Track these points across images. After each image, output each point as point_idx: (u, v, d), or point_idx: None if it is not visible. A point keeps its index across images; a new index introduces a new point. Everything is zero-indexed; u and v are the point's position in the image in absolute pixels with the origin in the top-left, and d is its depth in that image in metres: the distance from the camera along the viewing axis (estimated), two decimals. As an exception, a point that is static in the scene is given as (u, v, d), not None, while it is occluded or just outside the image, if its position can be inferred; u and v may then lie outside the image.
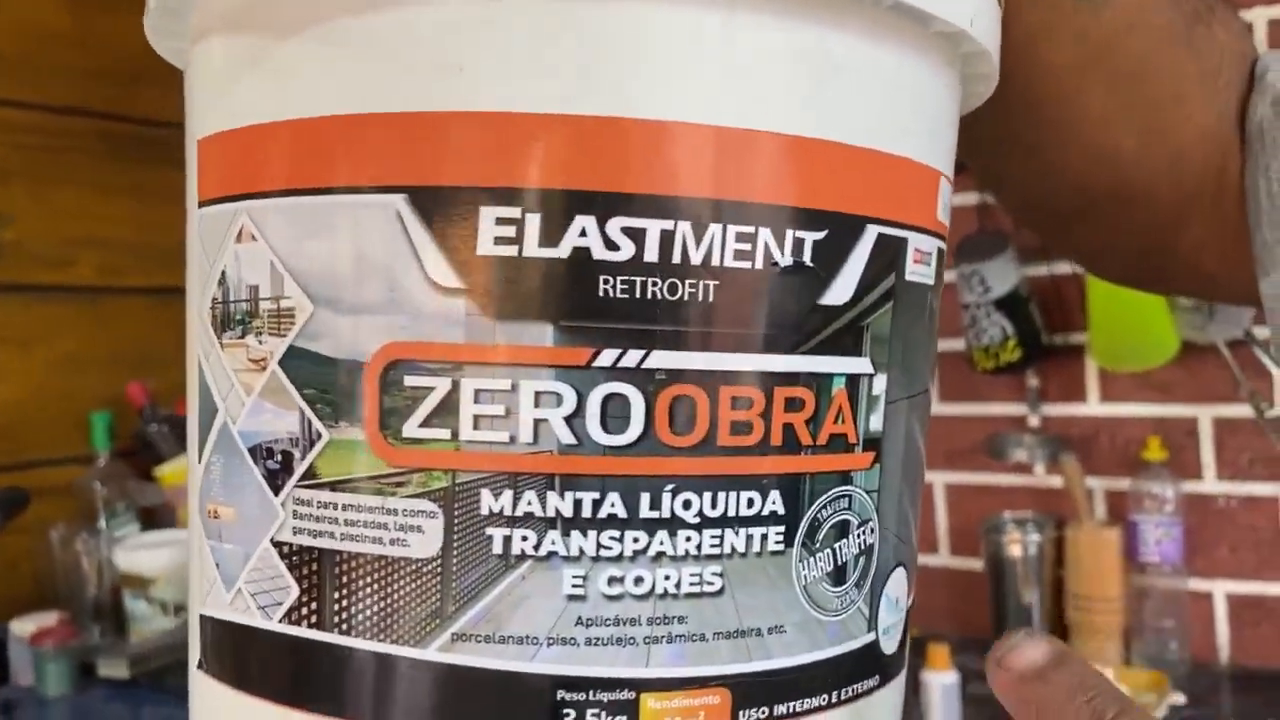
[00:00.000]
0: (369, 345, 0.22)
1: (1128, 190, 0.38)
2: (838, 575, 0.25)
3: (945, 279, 0.31)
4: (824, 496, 0.25)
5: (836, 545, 0.25)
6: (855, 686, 0.26)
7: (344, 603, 0.23)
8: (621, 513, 0.23)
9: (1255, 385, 1.29)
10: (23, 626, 1.38)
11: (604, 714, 0.23)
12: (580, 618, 0.23)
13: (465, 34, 0.22)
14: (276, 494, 0.24)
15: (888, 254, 0.25)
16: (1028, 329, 1.41)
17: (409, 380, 0.22)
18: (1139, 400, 1.41)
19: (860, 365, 0.25)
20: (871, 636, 0.26)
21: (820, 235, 0.24)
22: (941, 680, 1.24)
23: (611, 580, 0.23)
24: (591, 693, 0.23)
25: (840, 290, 0.24)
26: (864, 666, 0.26)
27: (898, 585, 0.27)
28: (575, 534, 0.23)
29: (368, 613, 0.23)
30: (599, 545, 0.23)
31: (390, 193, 0.22)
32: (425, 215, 0.22)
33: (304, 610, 0.23)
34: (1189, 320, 1.29)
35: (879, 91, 0.25)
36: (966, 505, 1.53)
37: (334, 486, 0.23)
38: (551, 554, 0.22)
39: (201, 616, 0.26)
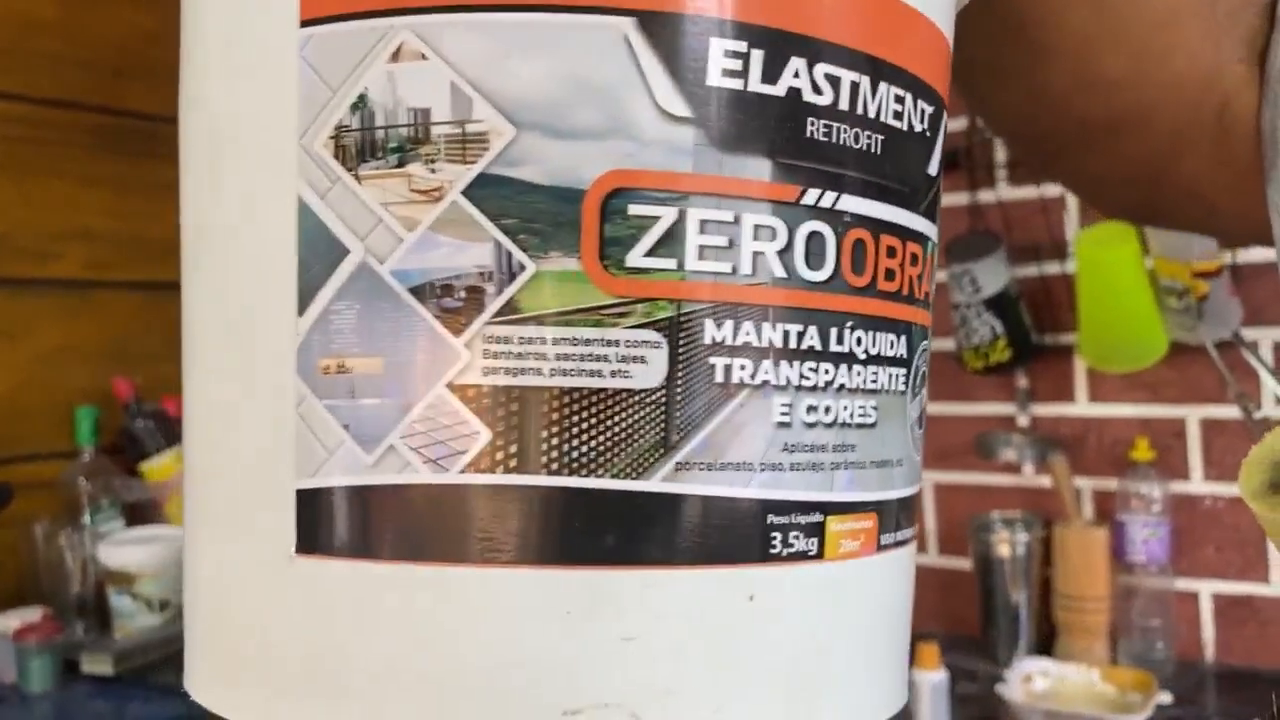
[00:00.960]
0: (589, 171, 0.21)
1: (1119, 117, 0.38)
2: (920, 420, 0.28)
3: (936, 278, 0.32)
4: (920, 346, 0.27)
5: (922, 392, 0.28)
6: (914, 528, 0.28)
7: (554, 440, 0.22)
8: (818, 345, 0.23)
9: (1243, 387, 1.32)
10: (6, 622, 1.35)
11: (801, 535, 0.23)
12: (786, 444, 0.23)
13: None
14: (458, 334, 0.22)
15: (946, 138, 0.28)
16: (1017, 329, 1.42)
17: (634, 209, 0.22)
18: (1127, 401, 1.43)
19: (936, 233, 0.28)
20: (920, 484, 0.29)
21: (931, 109, 0.26)
22: (930, 679, 1.24)
23: (810, 409, 0.23)
24: (793, 515, 0.23)
25: (934, 162, 0.27)
26: (916, 510, 0.28)
27: None
28: (784, 364, 0.23)
29: (584, 449, 0.21)
30: (801, 375, 0.23)
31: (617, 15, 0.21)
32: (656, 41, 0.21)
33: (499, 455, 0.22)
34: (1178, 321, 1.32)
35: None
36: (955, 504, 1.54)
37: (541, 320, 0.22)
38: (765, 383, 0.23)
39: (301, 493, 0.23)
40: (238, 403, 0.24)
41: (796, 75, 0.23)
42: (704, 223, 0.22)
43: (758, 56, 0.22)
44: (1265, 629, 1.33)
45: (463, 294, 0.22)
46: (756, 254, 0.22)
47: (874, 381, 0.25)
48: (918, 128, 0.26)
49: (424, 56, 0.22)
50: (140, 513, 1.58)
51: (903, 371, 0.26)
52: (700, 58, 0.22)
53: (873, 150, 0.24)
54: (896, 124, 0.25)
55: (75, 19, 1.66)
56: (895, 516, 0.26)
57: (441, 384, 0.22)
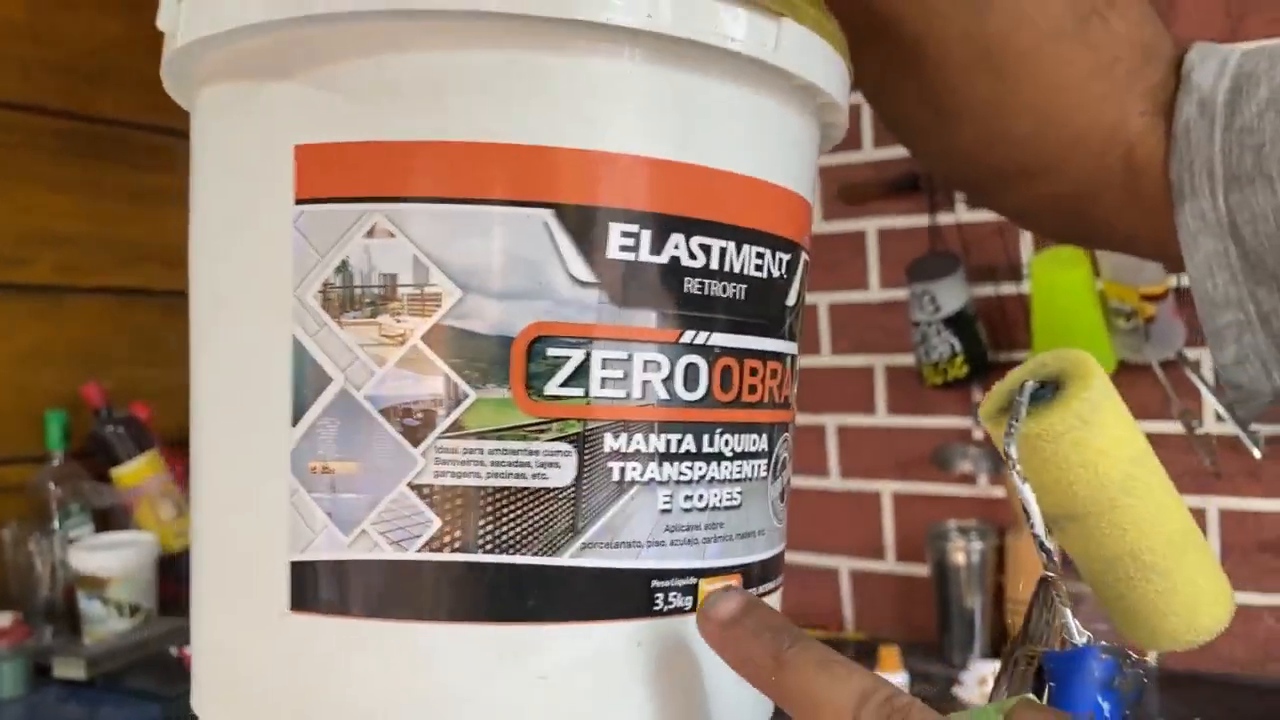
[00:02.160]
0: (517, 323, 0.29)
1: (1028, 168, 0.42)
2: (781, 496, 0.36)
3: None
4: (780, 439, 0.35)
5: (782, 474, 0.35)
6: (780, 577, 0.36)
7: (489, 527, 0.29)
8: (693, 448, 0.31)
9: (1186, 404, 1.41)
10: (-24, 627, 1.40)
11: (679, 594, 0.31)
12: (668, 525, 0.31)
13: (599, 96, 0.30)
14: (415, 445, 0.29)
15: (805, 272, 0.36)
16: (975, 346, 1.50)
17: (551, 351, 0.29)
18: (1077, 415, 1.51)
19: (794, 349, 0.36)
20: (784, 545, 0.37)
21: (788, 256, 0.34)
22: (892, 681, 1.33)
23: (686, 498, 0.31)
24: (672, 580, 0.31)
25: (792, 295, 0.35)
26: (781, 563, 0.37)
27: None
28: (666, 464, 0.31)
29: (511, 533, 0.29)
30: (679, 472, 0.31)
31: (539, 207, 0.29)
32: (568, 225, 0.29)
33: (446, 538, 0.29)
34: (1126, 342, 1.40)
35: (808, 153, 0.36)
36: (913, 514, 1.63)
37: (480, 435, 0.29)
38: (651, 480, 0.30)
39: (295, 564, 0.30)
40: (242, 491, 0.32)
41: (676, 247, 0.30)
42: (605, 360, 0.30)
43: (646, 235, 0.30)
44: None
45: (420, 415, 0.29)
46: (645, 382, 0.30)
47: (739, 473, 0.33)
48: (775, 274, 0.33)
49: (392, 234, 0.29)
50: (110, 518, 1.64)
51: (763, 462, 0.34)
52: (602, 237, 0.29)
53: (737, 297, 0.32)
54: (758, 274, 0.32)
55: (44, 22, 1.70)
56: (758, 574, 0.34)
57: (403, 483, 0.30)
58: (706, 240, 0.31)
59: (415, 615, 0.29)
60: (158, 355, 1.83)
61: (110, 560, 1.49)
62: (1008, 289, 1.53)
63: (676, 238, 0.30)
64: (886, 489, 1.66)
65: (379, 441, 0.29)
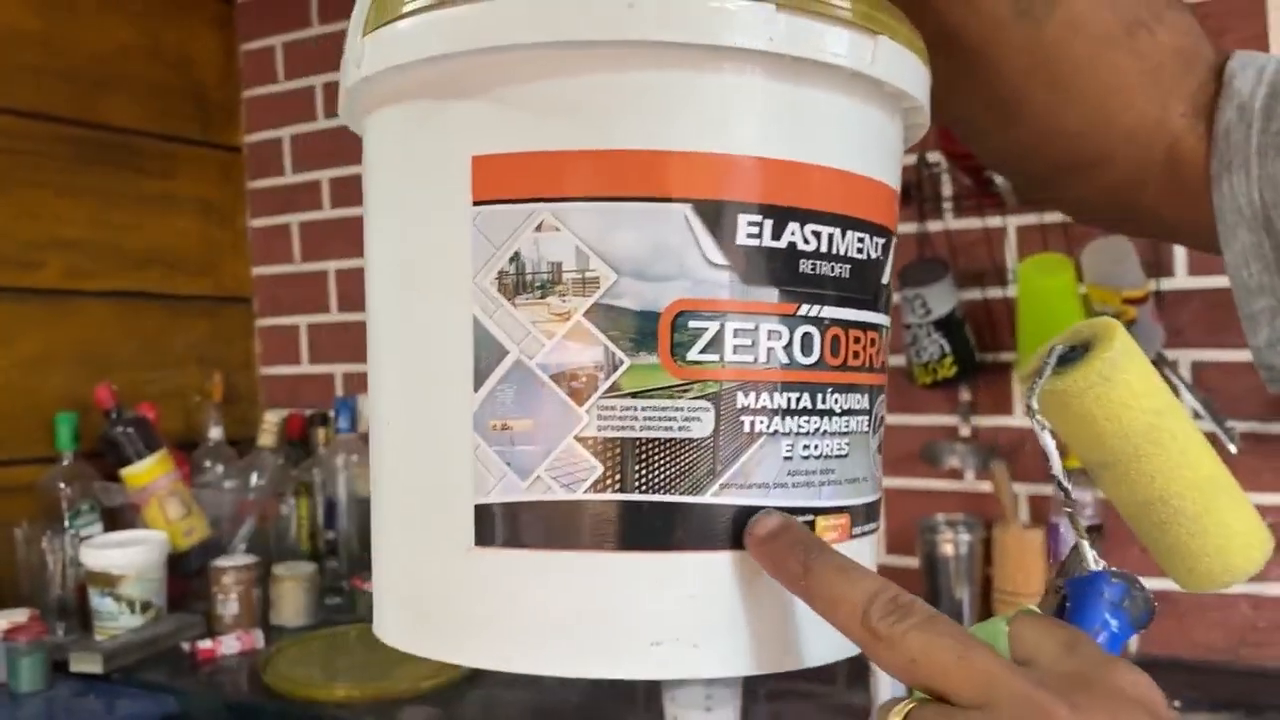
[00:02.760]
0: (663, 300, 0.35)
1: (1083, 161, 0.47)
2: (880, 448, 0.41)
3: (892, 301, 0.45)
4: (878, 399, 0.40)
5: (880, 430, 0.41)
6: (879, 522, 0.42)
7: (643, 472, 0.35)
8: (809, 405, 0.37)
9: (1162, 400, 1.47)
10: (-6, 623, 1.42)
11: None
12: (789, 470, 0.37)
13: (728, 107, 0.36)
14: (580, 404, 0.35)
15: (894, 252, 0.41)
16: (963, 348, 1.56)
17: (692, 323, 0.35)
18: (1060, 413, 1.58)
19: (888, 321, 0.41)
20: (881, 493, 0.42)
21: (883, 240, 0.40)
22: (887, 669, 1.38)
23: (804, 447, 0.37)
24: (795, 516, 0.36)
25: (886, 273, 0.40)
26: (880, 508, 0.42)
27: None
28: (787, 418, 0.37)
29: (662, 476, 0.35)
30: (799, 425, 0.37)
31: (680, 203, 0.35)
32: (704, 218, 0.35)
33: (608, 481, 0.35)
34: (1106, 341, 1.47)
35: (895, 149, 0.41)
36: (903, 508, 1.68)
37: (634, 395, 0.35)
38: (776, 431, 0.36)
39: (479, 506, 0.35)
40: (430, 446, 0.37)
41: (793, 233, 0.36)
42: (736, 330, 0.35)
43: (768, 224, 0.36)
44: (1183, 621, 1.48)
45: (584, 379, 0.35)
46: (769, 349, 0.36)
47: (846, 427, 0.38)
48: (873, 256, 0.39)
49: (557, 229, 0.35)
50: (119, 517, 1.67)
51: (865, 418, 0.39)
52: (732, 227, 0.35)
53: (843, 276, 0.37)
54: (859, 256, 0.38)
55: (56, 31, 1.74)
56: (862, 516, 0.39)
57: (571, 436, 0.35)
58: (817, 227, 0.37)
59: (584, 545, 0.34)
60: (163, 357, 1.87)
61: (121, 557, 1.52)
62: (994, 293, 1.59)
63: (793, 225, 0.36)
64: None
65: (550, 402, 0.35)
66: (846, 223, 0.38)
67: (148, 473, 1.65)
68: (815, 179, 0.37)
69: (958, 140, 1.40)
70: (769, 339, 0.36)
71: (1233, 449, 1.36)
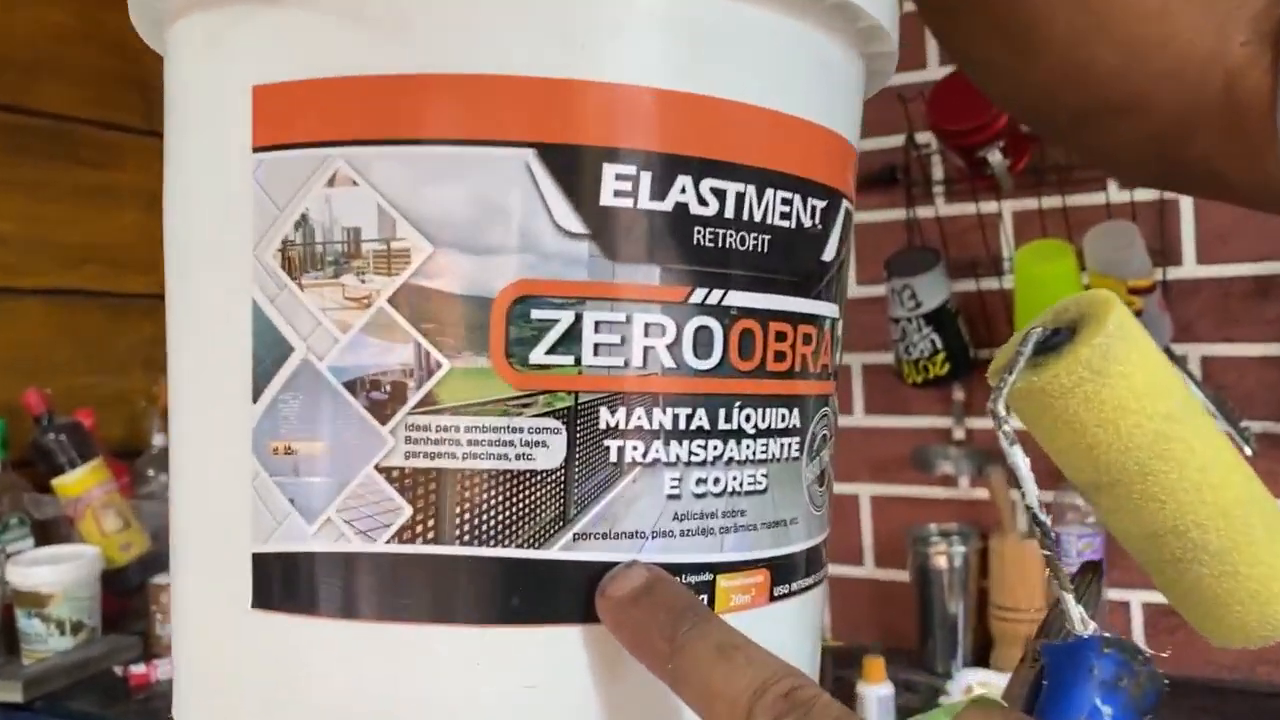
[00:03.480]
0: (497, 282, 0.26)
1: (1112, 107, 0.39)
2: (820, 479, 0.32)
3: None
4: (818, 414, 0.31)
5: (821, 454, 0.32)
6: (823, 571, 0.33)
7: (466, 515, 0.26)
8: (706, 424, 0.28)
9: (1170, 399, 1.39)
10: (-94, 648, 1.35)
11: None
12: (676, 513, 0.27)
13: (587, 15, 0.26)
14: (383, 423, 0.26)
15: (847, 223, 0.32)
16: (956, 343, 1.49)
17: (536, 313, 0.26)
18: (1061, 414, 1.50)
19: (835, 311, 0.32)
20: (828, 531, 0.33)
21: (824, 203, 0.30)
22: (877, 693, 1.30)
23: (698, 481, 0.28)
24: (683, 576, 0.28)
25: (830, 249, 0.31)
26: (823, 555, 0.33)
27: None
28: (674, 443, 0.27)
29: (492, 522, 0.26)
30: (690, 452, 0.28)
31: (519, 146, 0.26)
32: (553, 169, 0.26)
33: (418, 528, 0.26)
34: (1109, 336, 1.39)
35: (849, 88, 0.32)
36: (892, 517, 1.61)
37: (456, 411, 0.26)
38: (656, 461, 0.27)
39: (257, 555, 0.27)
40: (206, 475, 0.29)
41: (683, 191, 0.27)
42: (599, 323, 0.26)
43: (646, 178, 0.26)
44: (1193, 636, 1.39)
45: (388, 388, 0.26)
46: (647, 348, 0.27)
47: (764, 452, 0.29)
48: (807, 224, 0.30)
49: (355, 182, 0.26)
50: (51, 530, 1.59)
51: (795, 440, 0.30)
52: (593, 181, 0.26)
53: (759, 249, 0.28)
54: (784, 224, 0.29)
55: (-17, 13, 1.65)
56: (789, 569, 0.30)
57: (370, 465, 0.26)
58: (720, 184, 0.27)
59: (385, 615, 0.26)
60: (102, 361, 1.78)
61: (51, 575, 1.45)
62: (989, 283, 1.52)
63: (683, 180, 0.27)
64: (864, 491, 1.64)
65: (343, 419, 0.26)
66: (765, 178, 0.28)
67: (81, 482, 1.56)
68: (718, 118, 0.28)
69: (948, 116, 1.32)
70: (647, 335, 0.27)
71: (1248, 451, 1.28)
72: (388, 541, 0.26)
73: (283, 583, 0.27)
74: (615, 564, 0.27)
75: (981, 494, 1.55)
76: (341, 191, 0.26)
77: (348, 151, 0.26)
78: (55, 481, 1.56)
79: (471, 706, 0.26)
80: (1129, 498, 0.32)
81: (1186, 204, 1.41)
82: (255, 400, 0.27)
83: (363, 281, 0.26)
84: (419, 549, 0.26)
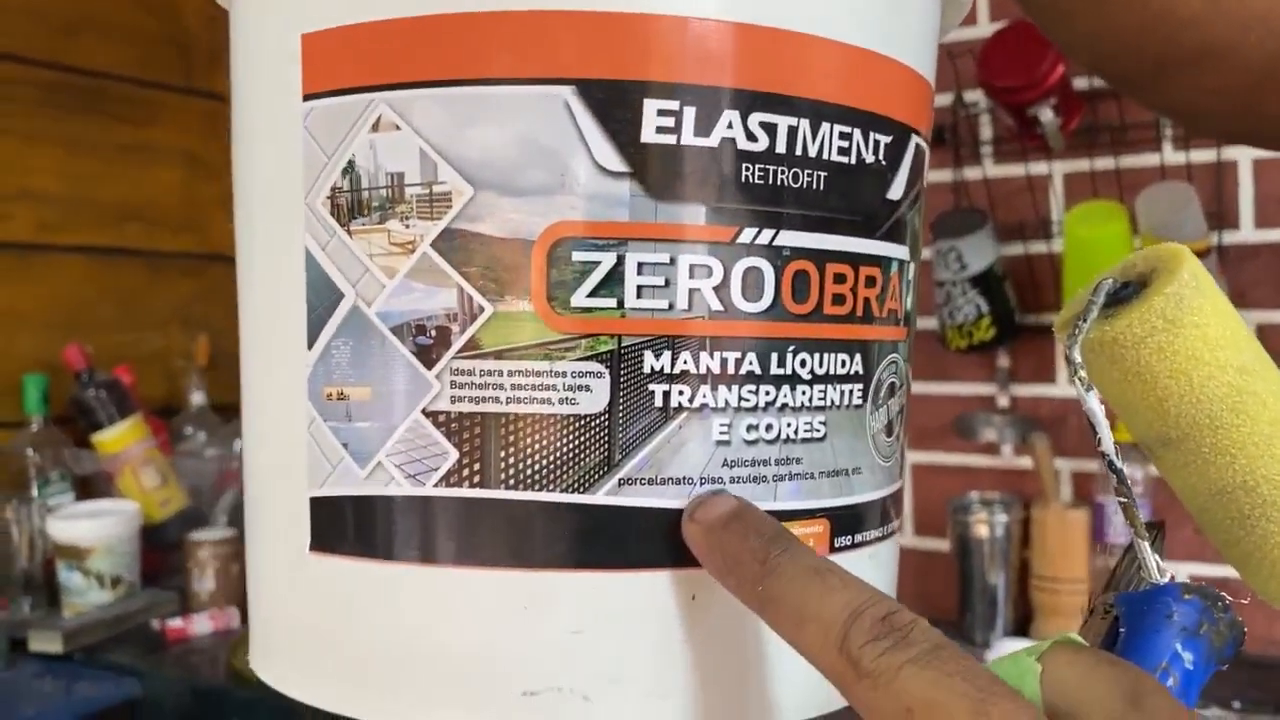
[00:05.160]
0: (538, 224, 0.26)
1: (1192, 55, 0.38)
2: (889, 428, 0.31)
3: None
4: (884, 361, 0.31)
5: (889, 403, 0.31)
6: (894, 524, 0.32)
7: (511, 460, 0.26)
8: (757, 369, 0.27)
9: (1223, 367, 1.37)
10: (-51, 599, 1.38)
11: None
12: (726, 459, 0.27)
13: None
14: (429, 367, 0.27)
15: (919, 160, 0.31)
16: (1002, 308, 1.46)
17: (577, 255, 0.26)
18: (1109, 381, 1.48)
19: (905, 253, 0.31)
20: (901, 483, 0.33)
21: (889, 139, 0.29)
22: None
23: (749, 428, 0.27)
24: None
25: (897, 187, 0.30)
26: (897, 507, 0.32)
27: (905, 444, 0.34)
28: (722, 388, 0.27)
29: (536, 467, 0.26)
30: (740, 398, 0.27)
31: (557, 84, 0.26)
32: (592, 106, 0.26)
33: (465, 472, 0.26)
34: (1161, 302, 1.36)
35: (919, 16, 0.31)
36: (933, 485, 1.59)
37: (499, 355, 0.26)
38: (704, 406, 0.27)
39: (315, 499, 0.28)
40: (268, 421, 0.30)
41: (729, 126, 0.26)
42: (641, 265, 0.26)
43: (690, 113, 0.26)
44: (1245, 612, 1.39)
45: (433, 333, 0.26)
46: (692, 290, 0.26)
47: (821, 399, 0.29)
48: (869, 160, 0.29)
49: (397, 127, 0.26)
50: (92, 485, 1.61)
51: (858, 387, 0.30)
52: (634, 118, 0.26)
53: (814, 187, 0.28)
54: (842, 159, 0.28)
55: (21, -34, 1.66)
56: (852, 520, 0.30)
57: (418, 410, 0.27)
58: (770, 118, 0.27)
59: (434, 558, 0.27)
60: (141, 319, 1.80)
61: (90, 529, 1.46)
62: (1037, 247, 1.49)
63: (729, 115, 0.26)
64: (905, 459, 1.63)
65: (392, 364, 0.27)
66: (822, 112, 0.28)
67: (120, 439, 1.58)
68: (768, 48, 0.27)
69: (999, 72, 1.29)
70: (692, 277, 0.27)
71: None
72: (435, 485, 0.27)
73: (338, 526, 0.28)
74: (663, 510, 0.27)
75: (1025, 463, 1.53)
76: (385, 136, 0.27)
77: (390, 96, 0.27)
78: (95, 437, 1.58)
79: (516, 650, 0.26)
80: (1198, 452, 0.32)
81: (1245, 166, 1.38)
82: (310, 346, 0.28)
83: (407, 226, 0.27)
84: (465, 493, 0.26)
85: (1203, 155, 1.37)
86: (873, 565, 0.31)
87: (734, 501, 0.27)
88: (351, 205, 0.27)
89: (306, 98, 0.28)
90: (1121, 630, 0.29)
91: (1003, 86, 1.30)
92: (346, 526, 0.28)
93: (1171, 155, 1.39)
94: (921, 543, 1.61)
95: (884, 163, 0.29)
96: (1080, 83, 1.36)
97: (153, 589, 1.53)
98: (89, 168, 1.73)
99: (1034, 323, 1.52)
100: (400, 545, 0.27)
